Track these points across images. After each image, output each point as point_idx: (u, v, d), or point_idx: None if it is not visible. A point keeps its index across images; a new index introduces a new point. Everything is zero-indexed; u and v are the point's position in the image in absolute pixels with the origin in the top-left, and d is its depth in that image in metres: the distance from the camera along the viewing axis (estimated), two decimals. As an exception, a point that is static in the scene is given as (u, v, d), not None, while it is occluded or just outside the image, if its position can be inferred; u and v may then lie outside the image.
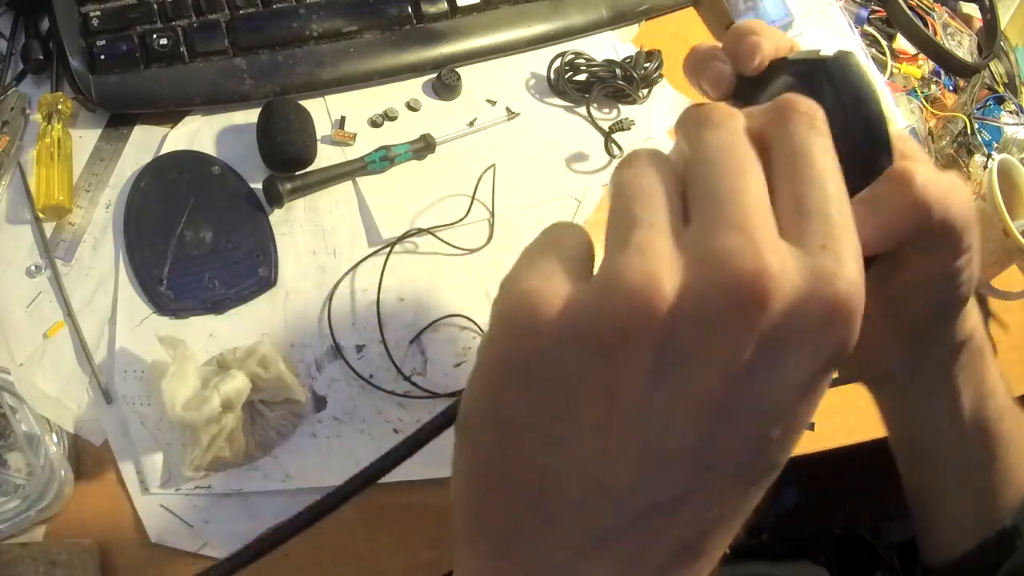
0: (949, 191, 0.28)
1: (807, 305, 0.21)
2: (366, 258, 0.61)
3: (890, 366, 0.39)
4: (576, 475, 0.23)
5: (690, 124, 0.25)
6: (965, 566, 0.44)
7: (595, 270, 0.23)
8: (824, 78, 0.29)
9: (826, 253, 0.22)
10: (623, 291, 0.21)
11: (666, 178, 0.24)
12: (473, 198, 0.64)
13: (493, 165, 0.65)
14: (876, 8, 0.83)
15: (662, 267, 0.21)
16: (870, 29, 0.82)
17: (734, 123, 0.24)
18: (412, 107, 0.67)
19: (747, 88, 0.33)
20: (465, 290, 0.61)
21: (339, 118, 0.66)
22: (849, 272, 0.22)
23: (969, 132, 0.77)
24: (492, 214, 0.64)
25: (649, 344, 0.21)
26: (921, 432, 0.43)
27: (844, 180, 0.24)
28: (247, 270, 0.59)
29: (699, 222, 0.22)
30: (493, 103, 0.69)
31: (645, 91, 0.71)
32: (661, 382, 0.22)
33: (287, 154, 0.60)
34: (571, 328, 0.22)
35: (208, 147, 0.63)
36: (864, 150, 0.28)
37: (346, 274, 0.60)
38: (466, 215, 0.63)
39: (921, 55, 0.81)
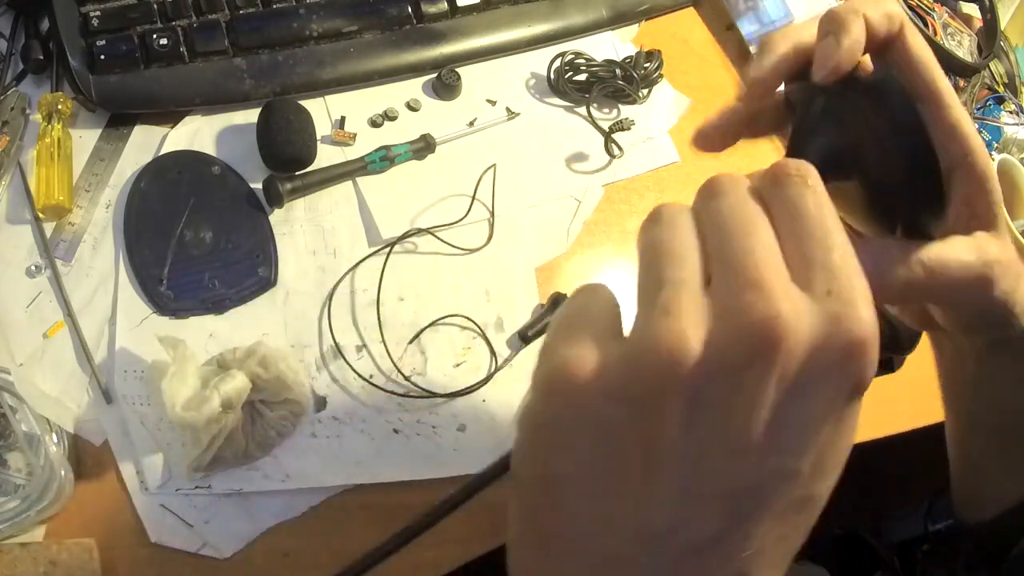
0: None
1: (822, 345, 0.23)
2: (366, 258, 0.61)
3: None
4: (618, 524, 0.25)
5: (701, 196, 0.27)
6: (1002, 524, 0.44)
7: (624, 326, 0.26)
8: (871, 104, 0.30)
9: (832, 298, 0.24)
10: (654, 350, 0.23)
11: (689, 236, 0.26)
12: (473, 198, 0.64)
13: (494, 165, 0.65)
14: (876, 8, 0.83)
15: (688, 325, 0.23)
16: (870, 29, 0.82)
17: (739, 188, 0.26)
18: (412, 107, 0.67)
19: (800, 94, 0.33)
20: (465, 290, 0.61)
21: (339, 118, 0.66)
22: (857, 312, 0.23)
23: (969, 132, 0.77)
24: (492, 214, 0.64)
25: (680, 396, 0.23)
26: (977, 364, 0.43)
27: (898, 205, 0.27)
28: (247, 270, 0.59)
29: (718, 280, 0.25)
30: (493, 103, 0.69)
31: (645, 91, 0.71)
32: (693, 430, 0.23)
33: (287, 154, 0.60)
34: (608, 388, 0.24)
35: (208, 147, 0.63)
36: (914, 177, 0.29)
37: (346, 274, 0.60)
38: (466, 215, 0.63)
39: (921, 55, 0.81)
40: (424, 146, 0.65)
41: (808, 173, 0.26)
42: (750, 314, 0.23)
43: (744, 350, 0.23)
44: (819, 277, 0.24)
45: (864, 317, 0.23)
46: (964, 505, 0.48)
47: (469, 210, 0.63)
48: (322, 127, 0.64)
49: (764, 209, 0.26)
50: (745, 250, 0.24)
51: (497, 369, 0.59)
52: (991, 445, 0.45)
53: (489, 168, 0.65)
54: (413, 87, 0.68)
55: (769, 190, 0.26)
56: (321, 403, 0.56)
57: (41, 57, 0.62)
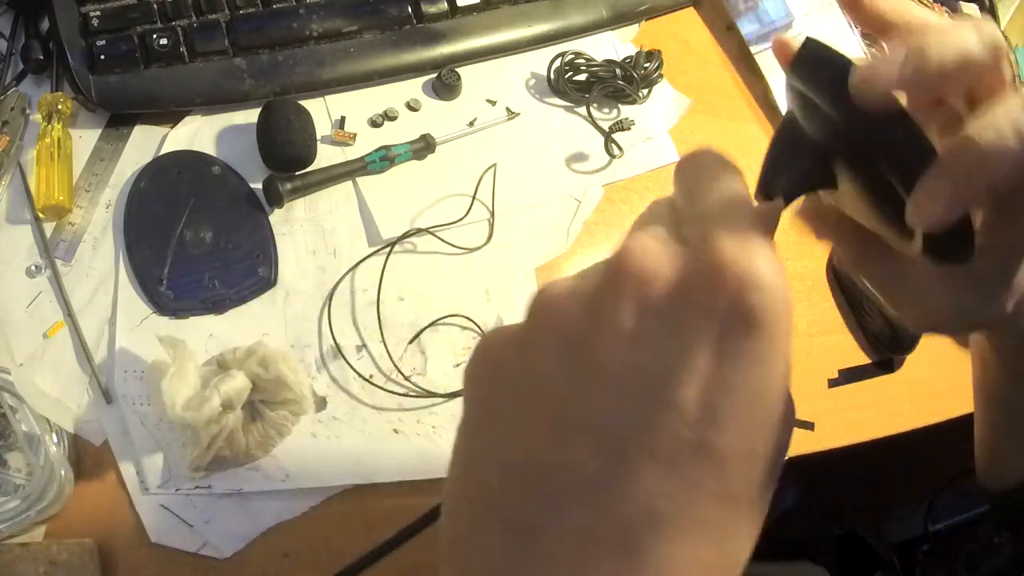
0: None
1: (684, 275, 0.24)
2: (366, 258, 0.61)
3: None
4: (509, 458, 0.25)
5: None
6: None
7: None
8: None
9: (701, 240, 0.25)
10: (542, 290, 0.26)
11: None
12: (474, 198, 0.64)
13: (494, 165, 0.65)
14: (876, 8, 0.83)
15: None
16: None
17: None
18: (412, 107, 0.67)
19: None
20: (465, 290, 0.61)
21: (339, 118, 0.66)
22: (720, 246, 0.24)
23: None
24: (492, 214, 0.64)
25: (552, 330, 0.25)
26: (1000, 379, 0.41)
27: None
28: (247, 270, 0.59)
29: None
30: (493, 103, 0.69)
31: (645, 91, 0.71)
32: (564, 363, 0.24)
33: (287, 154, 0.60)
34: (513, 330, 0.27)
35: (208, 147, 0.63)
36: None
37: (346, 274, 0.60)
38: (466, 215, 0.63)
39: (921, 55, 0.81)
40: (424, 146, 0.65)
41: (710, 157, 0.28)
42: (623, 251, 0.25)
43: (603, 283, 0.24)
44: (691, 231, 0.26)
45: (734, 250, 0.24)
46: (992, 470, 0.45)
47: (469, 210, 0.63)
48: (322, 127, 0.64)
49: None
50: (649, 210, 0.28)
51: (497, 369, 0.59)
52: (1006, 390, 0.42)
53: (490, 168, 0.65)
54: (413, 87, 0.68)
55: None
56: (321, 403, 0.56)
57: (41, 57, 0.62)
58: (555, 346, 0.24)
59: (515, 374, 0.25)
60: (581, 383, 0.24)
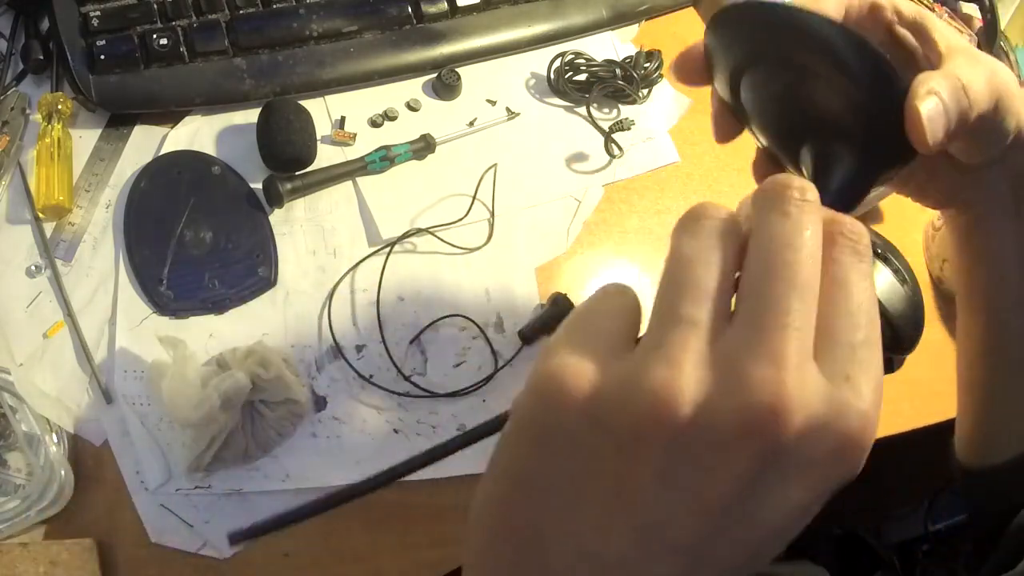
0: (966, 93, 0.32)
1: (820, 436, 0.22)
2: (366, 258, 0.61)
3: (964, 194, 0.41)
4: (573, 540, 0.24)
5: (760, 203, 0.25)
6: (1005, 476, 0.43)
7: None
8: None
9: (848, 385, 0.23)
10: (645, 394, 0.23)
11: (726, 262, 0.24)
12: (474, 198, 0.64)
13: (495, 165, 0.65)
14: (876, 8, 0.83)
15: (686, 378, 0.23)
16: (870, 29, 0.82)
17: (805, 214, 0.24)
18: (412, 107, 0.67)
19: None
20: (465, 290, 0.61)
21: (339, 118, 0.66)
22: (866, 405, 0.23)
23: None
24: (492, 214, 0.64)
25: (661, 446, 0.23)
26: (987, 283, 0.42)
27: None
28: (247, 270, 0.59)
29: (738, 332, 0.23)
30: (493, 103, 0.69)
31: (645, 91, 0.71)
32: (667, 481, 0.23)
33: (287, 154, 0.60)
34: (595, 412, 0.24)
35: (208, 147, 0.63)
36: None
37: (346, 274, 0.60)
38: (466, 215, 0.63)
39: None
40: (424, 146, 0.65)
41: (862, 238, 0.25)
42: (758, 393, 0.22)
43: (739, 425, 0.22)
44: (841, 359, 0.23)
45: (870, 411, 0.23)
46: (973, 447, 0.46)
47: (469, 210, 0.63)
48: (322, 127, 0.64)
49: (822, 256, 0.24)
50: (782, 309, 0.23)
51: (497, 369, 0.59)
52: (989, 362, 0.44)
53: (490, 168, 0.65)
54: (413, 87, 0.68)
55: (828, 241, 0.25)
56: (321, 403, 0.56)
57: (41, 57, 0.62)
58: (659, 457, 0.23)
59: (602, 463, 0.24)
60: (681, 506, 0.23)
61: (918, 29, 0.37)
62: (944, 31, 0.37)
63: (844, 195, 0.28)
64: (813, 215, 0.25)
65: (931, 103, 0.31)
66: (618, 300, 0.27)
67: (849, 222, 0.25)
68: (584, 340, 0.25)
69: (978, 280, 0.43)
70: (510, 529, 0.26)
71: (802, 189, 0.25)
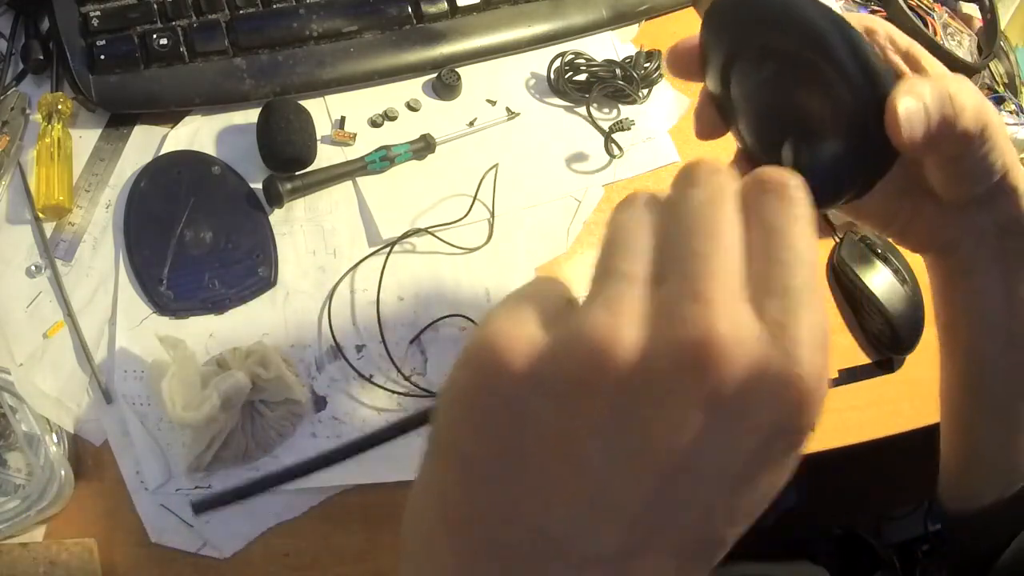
0: (949, 104, 0.33)
1: (755, 376, 0.22)
2: (366, 258, 0.61)
3: (949, 236, 0.40)
4: (521, 518, 0.23)
5: (676, 183, 0.26)
6: (988, 519, 0.43)
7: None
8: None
9: (784, 333, 0.22)
10: (586, 341, 0.22)
11: (657, 228, 0.25)
12: (475, 199, 0.64)
13: (496, 165, 0.65)
14: (876, 8, 0.83)
15: (625, 323, 0.22)
16: (870, 29, 0.82)
17: (715, 180, 0.25)
18: (412, 107, 0.67)
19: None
20: (465, 290, 0.61)
21: (339, 118, 0.66)
22: (806, 354, 0.22)
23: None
24: (492, 214, 0.64)
25: (602, 397, 0.22)
26: (971, 328, 0.42)
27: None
28: (247, 270, 0.59)
29: (669, 282, 0.23)
30: (493, 103, 0.69)
31: (645, 91, 0.71)
32: (611, 439, 0.22)
33: (287, 154, 0.60)
34: (532, 373, 0.23)
35: (208, 147, 0.63)
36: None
37: (346, 274, 0.60)
38: (466, 215, 0.63)
39: (921, 55, 0.81)
40: (424, 146, 0.65)
41: (800, 194, 0.25)
42: (686, 328, 0.21)
43: (673, 364, 0.21)
44: (775, 306, 0.22)
45: (812, 360, 0.22)
46: (959, 490, 0.46)
47: (470, 210, 0.63)
48: (322, 127, 0.64)
49: (742, 213, 0.24)
50: (700, 254, 0.23)
51: (497, 369, 0.59)
52: (971, 406, 0.44)
53: (491, 168, 0.65)
54: (413, 87, 0.68)
55: (753, 195, 0.25)
56: (321, 403, 0.56)
57: (41, 57, 0.62)
58: (600, 412, 0.22)
59: (543, 430, 0.23)
60: (626, 465, 0.22)
61: (911, 57, 0.37)
62: (936, 62, 0.37)
63: (822, 192, 0.28)
64: (725, 176, 0.25)
65: (911, 101, 0.31)
66: (554, 281, 0.26)
67: (774, 173, 0.25)
68: (520, 308, 0.24)
69: (962, 327, 0.42)
70: (456, 513, 0.25)
71: (713, 169, 0.25)
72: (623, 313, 0.22)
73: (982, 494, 0.44)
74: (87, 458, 0.52)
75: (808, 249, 0.24)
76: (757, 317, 0.22)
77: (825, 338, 0.23)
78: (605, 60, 0.71)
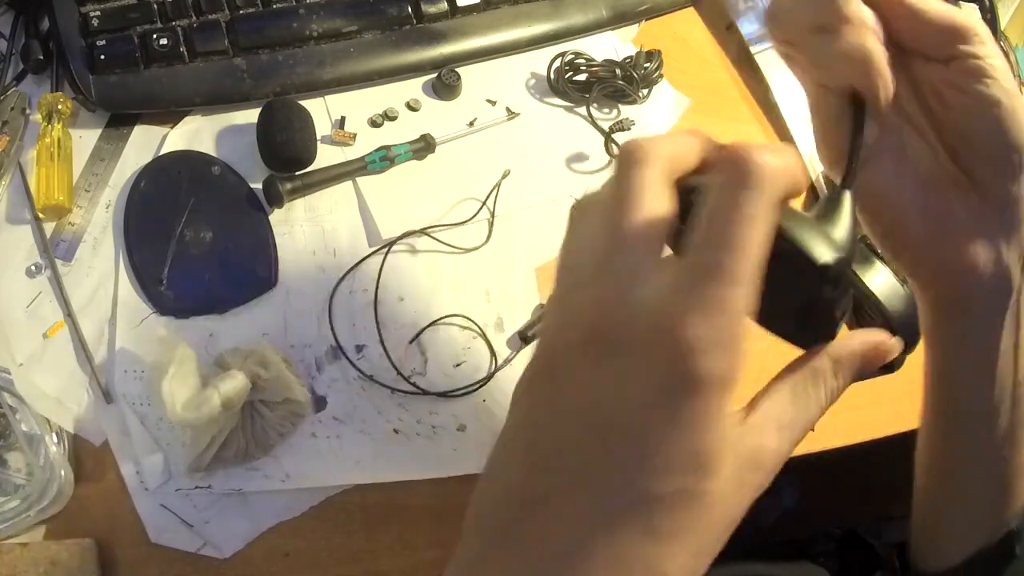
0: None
1: (635, 327, 0.25)
2: (366, 258, 0.61)
3: (961, 260, 0.37)
4: (511, 486, 0.28)
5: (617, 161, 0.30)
6: (966, 574, 0.42)
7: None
8: None
9: (679, 286, 0.25)
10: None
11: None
12: (483, 204, 0.64)
13: (508, 171, 0.65)
14: (876, 8, 0.83)
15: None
16: (870, 29, 0.82)
17: (649, 161, 0.28)
18: (412, 107, 0.67)
19: None
20: (465, 290, 0.61)
21: (339, 118, 0.66)
22: (692, 300, 0.24)
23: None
24: (492, 214, 0.64)
25: (547, 366, 0.28)
26: (951, 383, 0.40)
27: None
28: (247, 270, 0.59)
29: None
30: (493, 103, 0.69)
31: (645, 91, 0.71)
32: (547, 393, 0.27)
33: (287, 154, 0.60)
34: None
35: (208, 147, 0.63)
36: None
37: (346, 274, 0.60)
38: (472, 217, 0.63)
39: (921, 55, 0.81)
40: (424, 146, 0.65)
41: (741, 163, 0.26)
42: (584, 293, 0.27)
43: (578, 331, 0.26)
44: (688, 264, 0.25)
45: (691, 305, 0.24)
46: (925, 552, 0.45)
47: (476, 214, 0.63)
48: (322, 127, 0.64)
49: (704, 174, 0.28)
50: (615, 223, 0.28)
51: (497, 369, 0.59)
52: (945, 467, 0.43)
53: (504, 176, 0.64)
54: (413, 87, 0.68)
55: (721, 165, 0.27)
56: (321, 403, 0.56)
57: (41, 57, 0.62)
58: (544, 377, 0.28)
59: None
60: (547, 413, 0.27)
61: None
62: None
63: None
64: (652, 159, 0.29)
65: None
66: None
67: (769, 156, 0.26)
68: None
69: (967, 377, 0.40)
70: (498, 489, 0.28)
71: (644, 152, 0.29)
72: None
73: (957, 550, 0.42)
74: (87, 458, 0.52)
75: (758, 246, 0.25)
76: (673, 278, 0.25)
77: (720, 301, 0.24)
78: (605, 60, 0.71)
